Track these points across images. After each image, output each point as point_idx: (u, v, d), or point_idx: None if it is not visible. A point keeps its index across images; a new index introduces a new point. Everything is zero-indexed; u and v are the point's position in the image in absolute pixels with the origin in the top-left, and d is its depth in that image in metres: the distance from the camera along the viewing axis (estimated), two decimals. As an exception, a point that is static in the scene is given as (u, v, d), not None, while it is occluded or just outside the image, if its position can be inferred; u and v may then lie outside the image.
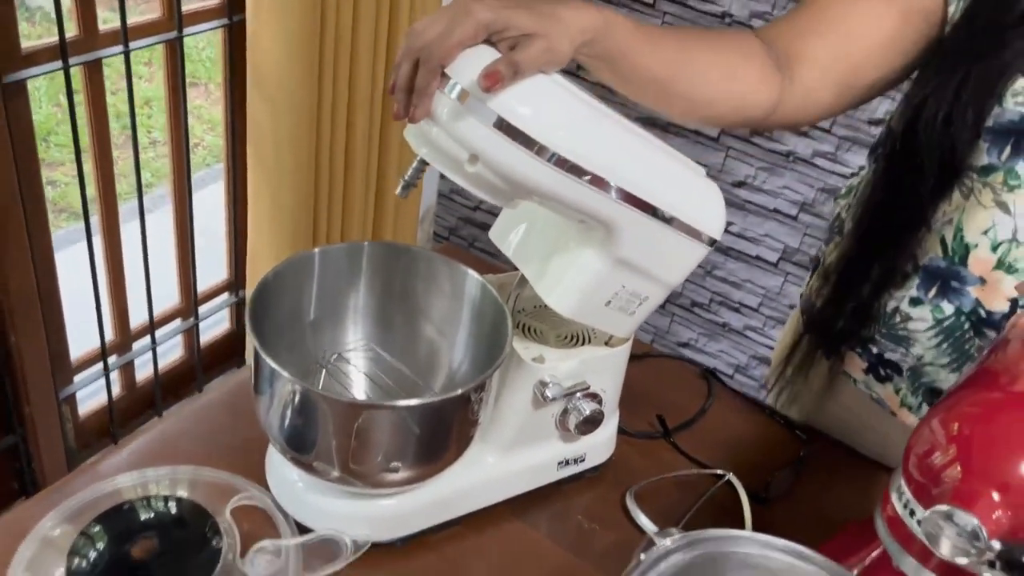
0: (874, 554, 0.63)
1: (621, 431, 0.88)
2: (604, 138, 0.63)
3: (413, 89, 0.59)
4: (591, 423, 0.77)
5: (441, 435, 0.69)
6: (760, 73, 0.75)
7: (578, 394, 0.76)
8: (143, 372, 1.82)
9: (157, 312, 1.75)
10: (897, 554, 0.56)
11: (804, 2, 0.79)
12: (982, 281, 0.76)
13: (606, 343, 0.78)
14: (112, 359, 1.70)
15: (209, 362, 1.95)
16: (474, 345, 0.79)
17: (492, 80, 0.56)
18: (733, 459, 0.89)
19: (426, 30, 0.58)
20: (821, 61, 0.76)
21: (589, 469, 0.84)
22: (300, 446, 0.69)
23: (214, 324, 1.99)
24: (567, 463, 0.81)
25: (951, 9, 0.74)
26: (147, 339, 1.76)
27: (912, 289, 0.81)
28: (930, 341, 0.80)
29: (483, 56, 0.57)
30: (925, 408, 0.84)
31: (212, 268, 1.92)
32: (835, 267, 0.88)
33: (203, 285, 1.87)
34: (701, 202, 0.71)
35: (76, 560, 0.66)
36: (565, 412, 0.77)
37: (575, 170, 0.60)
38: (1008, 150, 0.72)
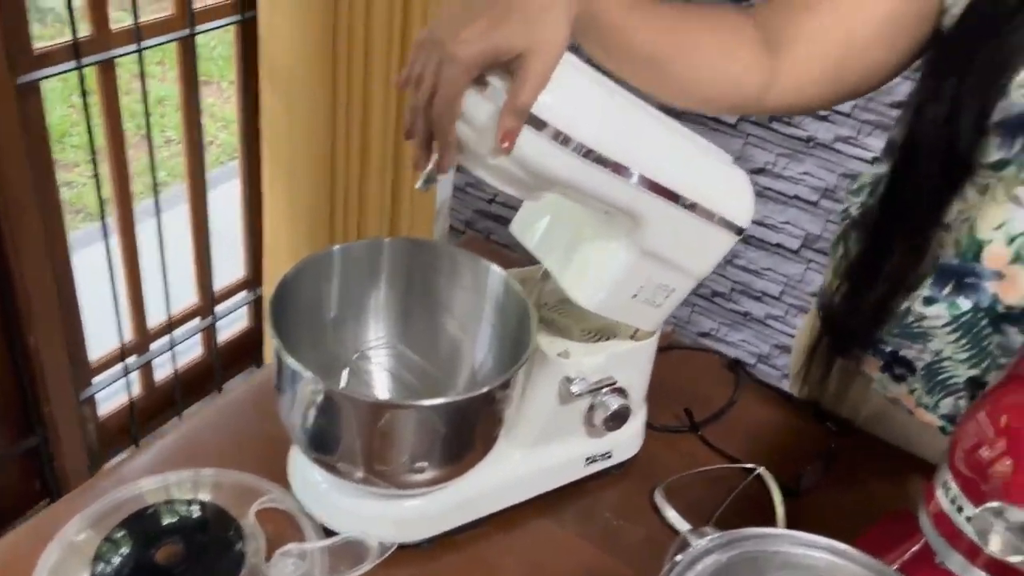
0: (914, 548, 0.61)
1: (648, 426, 0.86)
2: (629, 126, 0.61)
3: (431, 141, 0.58)
4: (618, 419, 0.75)
5: (466, 434, 0.68)
6: (752, 53, 0.72)
7: (604, 389, 0.74)
8: (162, 372, 1.82)
9: (175, 311, 1.75)
10: (943, 551, 0.55)
11: None
12: (999, 276, 0.73)
13: (631, 336, 0.77)
14: (131, 360, 1.70)
15: (228, 360, 1.95)
16: (497, 341, 0.77)
17: (509, 138, 0.55)
18: (762, 451, 0.87)
19: (421, 81, 0.56)
20: (814, 39, 0.73)
21: (616, 465, 0.82)
22: (323, 447, 0.67)
23: (232, 322, 1.99)
24: (594, 459, 0.80)
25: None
26: (166, 339, 1.75)
27: (925, 288, 0.78)
28: (948, 336, 0.78)
29: None
30: (942, 405, 0.82)
31: (229, 266, 1.92)
32: (852, 269, 0.85)
33: (220, 284, 1.87)
34: (728, 190, 0.69)
35: (101, 566, 0.65)
36: (592, 408, 0.75)
37: (600, 160, 0.58)
38: (1019, 143, 0.69)
